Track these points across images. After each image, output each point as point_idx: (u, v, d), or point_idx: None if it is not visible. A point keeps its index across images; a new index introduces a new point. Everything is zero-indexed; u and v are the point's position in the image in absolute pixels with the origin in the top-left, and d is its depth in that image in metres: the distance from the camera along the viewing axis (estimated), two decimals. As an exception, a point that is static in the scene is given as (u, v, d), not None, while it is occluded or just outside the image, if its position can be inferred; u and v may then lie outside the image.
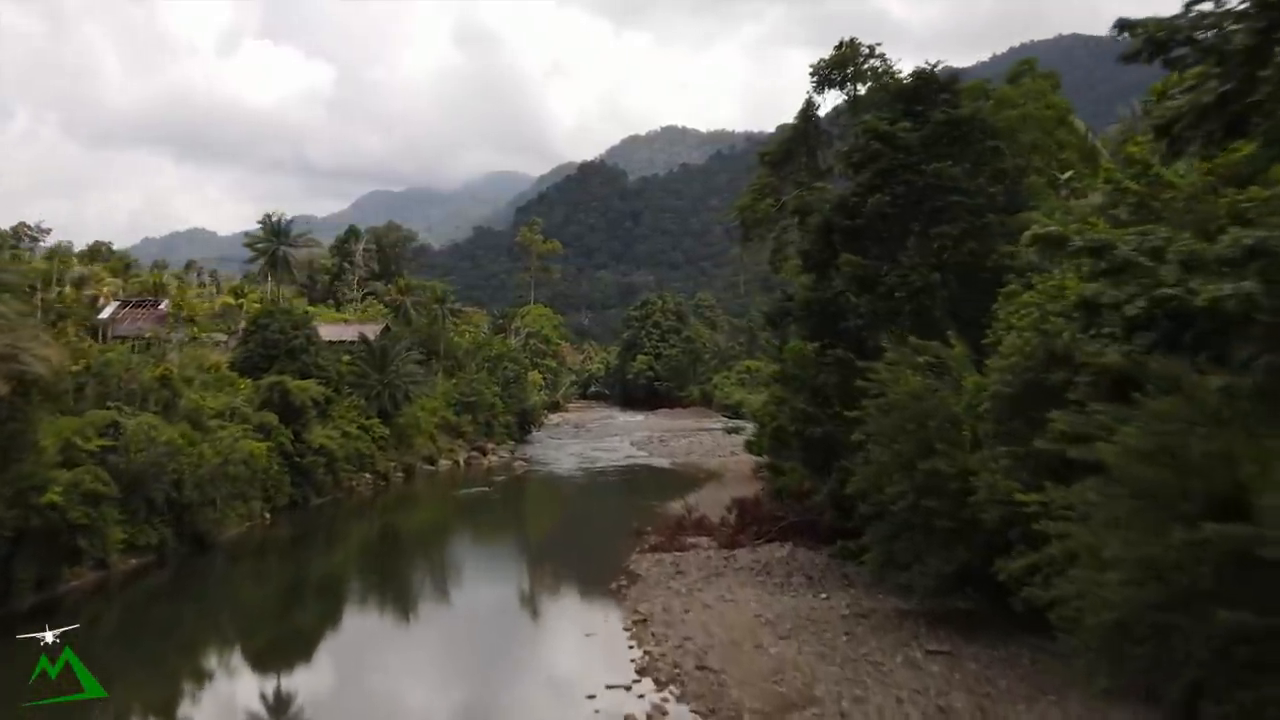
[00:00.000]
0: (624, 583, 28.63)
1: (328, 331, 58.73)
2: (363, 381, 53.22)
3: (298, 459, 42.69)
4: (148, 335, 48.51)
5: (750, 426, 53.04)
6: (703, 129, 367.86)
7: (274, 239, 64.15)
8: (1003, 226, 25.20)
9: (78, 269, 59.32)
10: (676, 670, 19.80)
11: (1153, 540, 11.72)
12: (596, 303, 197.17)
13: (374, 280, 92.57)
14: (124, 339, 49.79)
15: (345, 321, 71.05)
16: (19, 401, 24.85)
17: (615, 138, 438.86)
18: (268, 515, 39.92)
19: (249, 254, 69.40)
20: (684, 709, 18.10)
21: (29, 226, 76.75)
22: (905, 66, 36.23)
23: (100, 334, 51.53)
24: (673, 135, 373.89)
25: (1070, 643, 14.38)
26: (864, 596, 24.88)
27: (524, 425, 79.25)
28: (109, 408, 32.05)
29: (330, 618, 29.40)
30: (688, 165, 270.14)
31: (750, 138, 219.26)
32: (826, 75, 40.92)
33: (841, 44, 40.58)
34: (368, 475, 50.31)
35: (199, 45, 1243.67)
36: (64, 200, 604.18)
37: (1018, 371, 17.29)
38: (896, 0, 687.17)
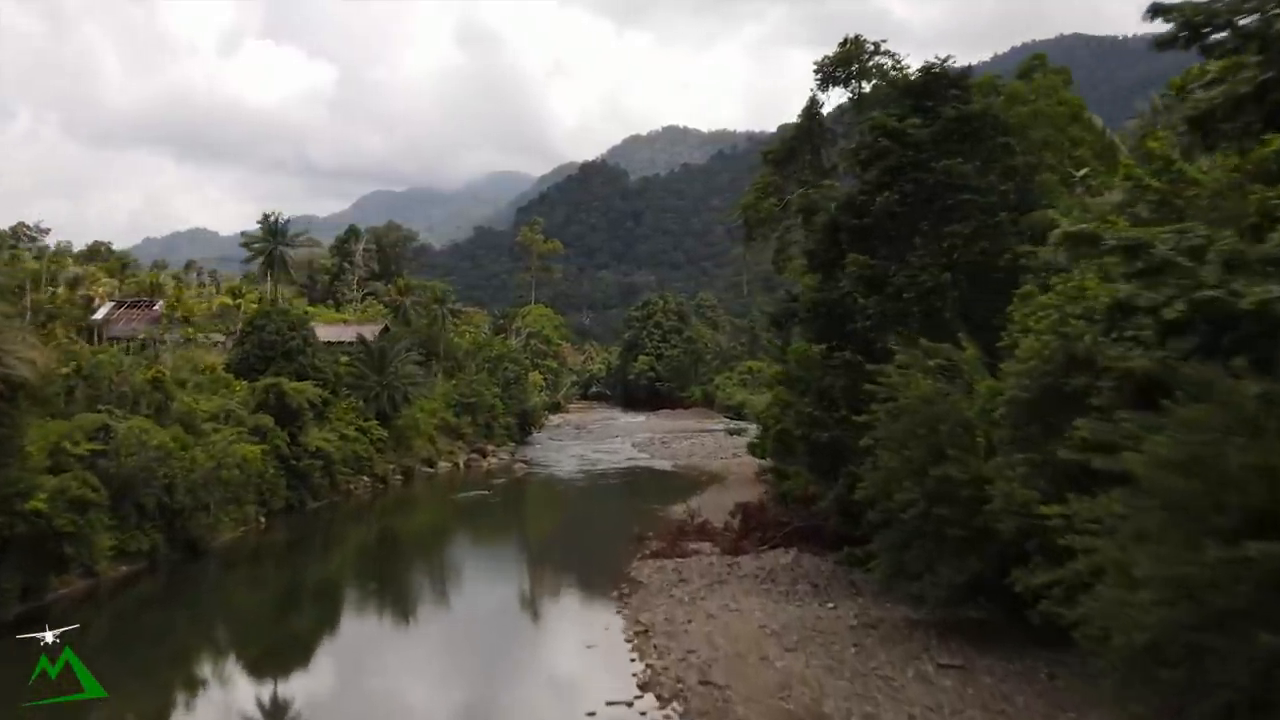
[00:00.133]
0: (625, 590, 27.95)
1: (326, 332, 58.20)
2: (361, 383, 52.64)
3: (294, 462, 42.06)
4: (141, 336, 47.85)
5: (753, 428, 52.46)
6: (704, 129, 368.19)
7: (271, 239, 63.54)
8: (1015, 225, 24.53)
9: (72, 269, 58.70)
10: (680, 685, 19.09)
11: (1186, 557, 11.01)
12: (598, 303, 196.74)
13: (374, 280, 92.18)
14: (118, 340, 49.17)
15: (344, 322, 70.52)
16: (4, 406, 24.22)
17: (617, 137, 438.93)
18: (263, 520, 39.29)
19: (248, 254, 68.89)
20: (687, 728, 17.45)
21: (28, 226, 76.46)
22: (908, 65, 35.55)
23: (95, 335, 50.95)
24: (674, 135, 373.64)
25: (1090, 656, 13.77)
26: (872, 605, 24.18)
27: (524, 426, 78.62)
28: (99, 411, 31.39)
29: (325, 626, 28.76)
30: (689, 165, 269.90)
31: (752, 138, 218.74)
32: (831, 72, 40.20)
33: (846, 41, 39.88)
34: (365, 478, 49.67)
35: (200, 45, 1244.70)
36: (65, 200, 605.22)
37: (1035, 376, 16.57)
38: (898, 0, 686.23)
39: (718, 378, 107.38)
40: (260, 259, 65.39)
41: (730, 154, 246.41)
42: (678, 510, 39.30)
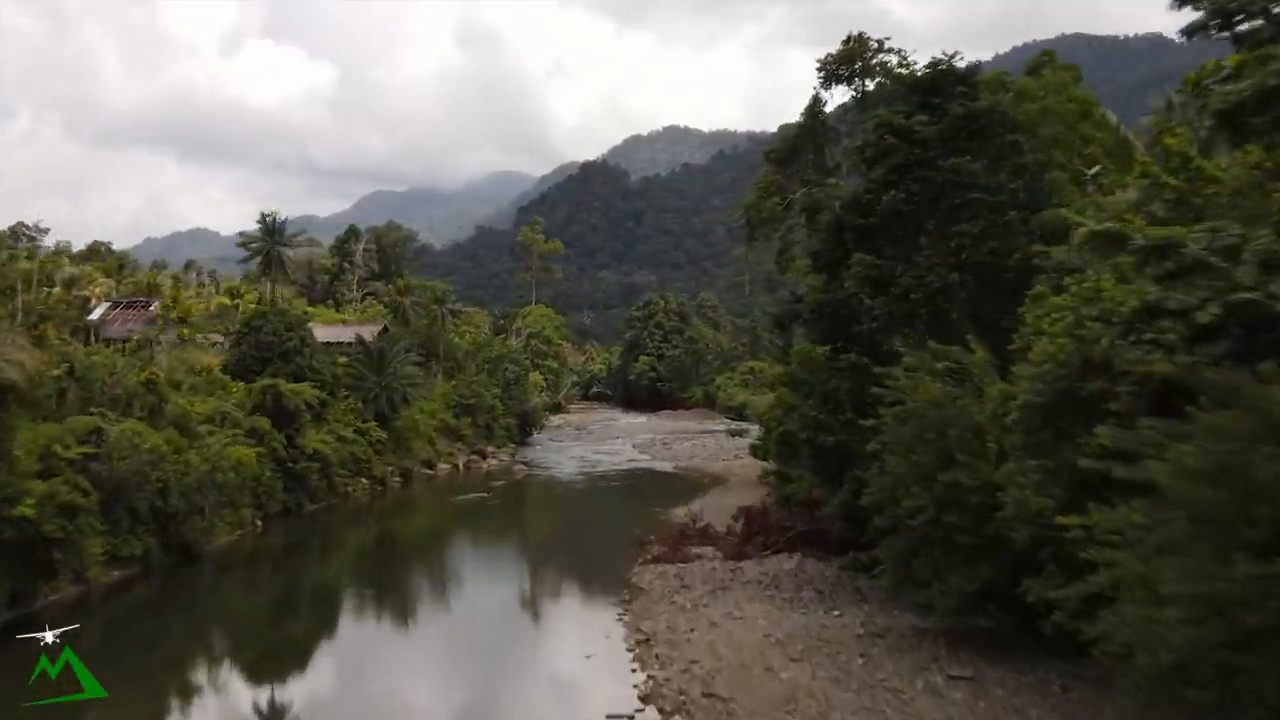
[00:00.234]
0: (626, 597, 27.43)
1: (324, 333, 57.72)
2: (359, 384, 52.17)
3: (291, 464, 41.60)
4: (136, 337, 47.33)
5: (754, 429, 51.92)
6: (705, 129, 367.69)
7: (268, 239, 63.04)
8: (1024, 225, 23.99)
9: (68, 269, 58.17)
10: (683, 698, 18.54)
11: (1215, 572, 10.49)
12: (598, 303, 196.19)
13: (374, 280, 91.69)
14: (113, 341, 48.67)
15: (344, 322, 70.02)
16: (-9, 409, 23.75)
17: (617, 137, 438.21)
18: (259, 523, 38.79)
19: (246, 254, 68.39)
20: (691, 742, 16.94)
21: (27, 226, 76.07)
22: (915, 61, 35.01)
23: (91, 336, 50.46)
24: (675, 135, 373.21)
25: (1103, 664, 13.27)
26: (878, 613, 23.64)
27: (525, 427, 78.10)
28: (92, 413, 30.86)
29: (320, 632, 28.33)
30: (690, 165, 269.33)
31: (753, 137, 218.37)
32: (834, 70, 39.72)
33: (850, 38, 39.40)
34: (364, 480, 49.18)
35: (201, 45, 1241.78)
36: (66, 200, 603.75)
37: (1050, 380, 16.02)
38: (899, 0, 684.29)
39: (719, 378, 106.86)
40: (258, 259, 64.86)
41: (731, 154, 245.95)
42: (679, 513, 38.76)
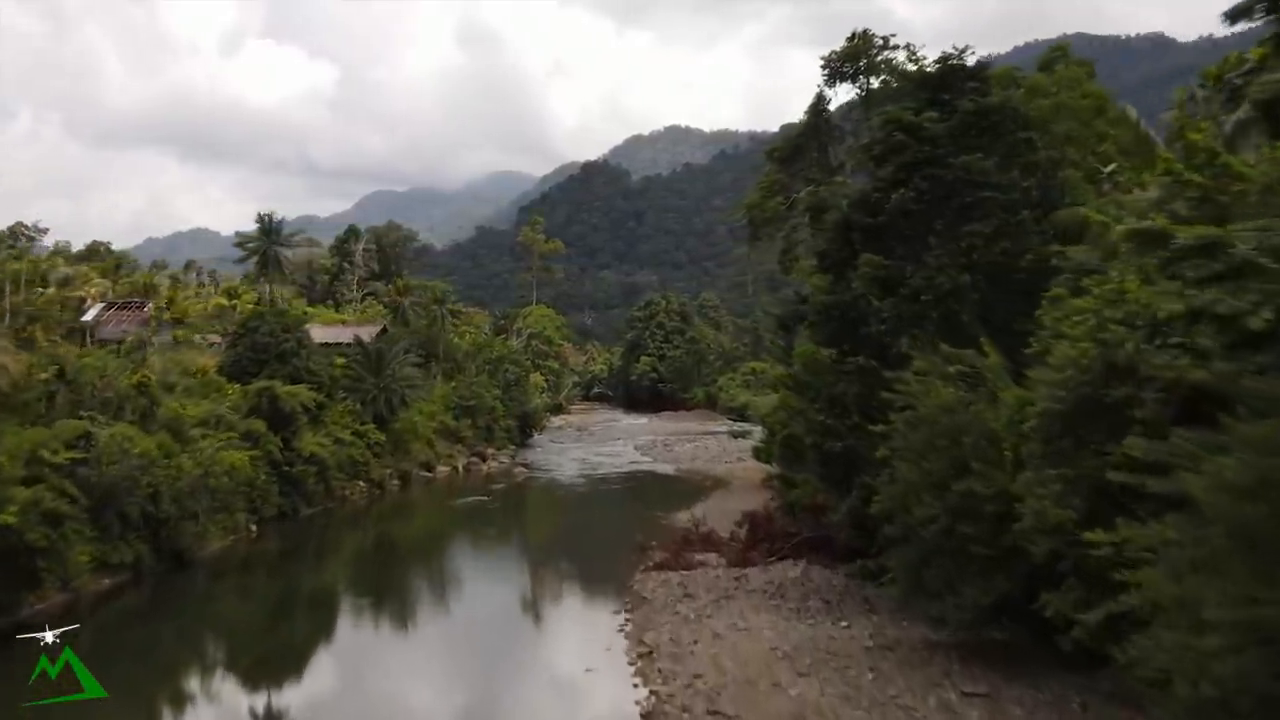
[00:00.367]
0: (628, 606, 26.72)
1: (322, 334, 57.06)
2: (358, 385, 51.50)
3: (287, 468, 40.93)
4: (130, 338, 46.63)
5: (757, 430, 51.20)
6: (706, 129, 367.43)
7: (266, 238, 62.35)
8: (1038, 224, 23.26)
9: (63, 269, 57.44)
10: (686, 715, 17.80)
11: (1260, 592, 9.77)
12: (599, 303, 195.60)
13: (374, 280, 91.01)
14: (108, 342, 47.97)
15: (342, 323, 69.32)
16: (-27, 413, 23.06)
17: (618, 137, 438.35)
18: (254, 528, 38.14)
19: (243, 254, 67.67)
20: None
21: (26, 226, 75.43)
22: (924, 57, 34.35)
23: (86, 337, 49.77)
24: (676, 135, 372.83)
25: (1120, 679, 12.58)
26: (888, 624, 22.91)
27: (525, 429, 77.42)
28: (81, 417, 30.16)
29: (315, 639, 27.72)
30: (691, 165, 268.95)
31: (754, 137, 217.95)
32: (838, 68, 39.17)
33: (854, 35, 38.83)
34: (361, 483, 48.52)
35: (201, 45, 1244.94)
36: (67, 200, 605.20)
37: (1071, 385, 15.30)
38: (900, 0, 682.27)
39: (721, 379, 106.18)
40: (255, 258, 64.18)
41: (732, 154, 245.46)
42: (682, 518, 38.05)
